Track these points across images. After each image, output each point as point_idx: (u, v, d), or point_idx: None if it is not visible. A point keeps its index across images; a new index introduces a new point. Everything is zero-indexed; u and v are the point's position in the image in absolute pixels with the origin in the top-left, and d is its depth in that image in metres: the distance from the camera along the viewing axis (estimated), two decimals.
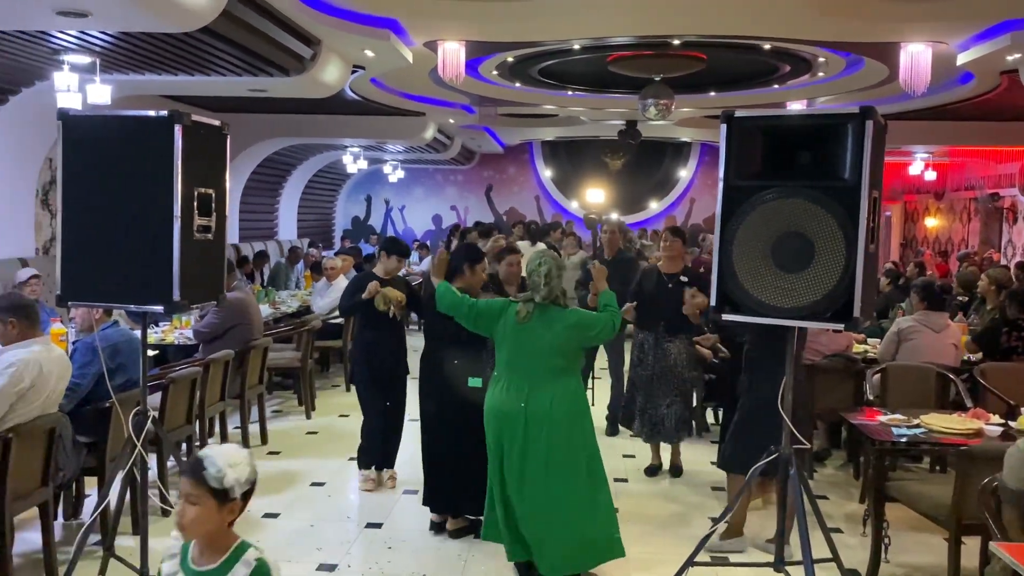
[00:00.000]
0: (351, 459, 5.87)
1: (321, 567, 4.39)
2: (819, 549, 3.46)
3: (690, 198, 19.56)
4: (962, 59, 7.71)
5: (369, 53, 8.04)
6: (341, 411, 7.59)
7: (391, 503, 5.33)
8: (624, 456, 6.39)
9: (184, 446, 5.54)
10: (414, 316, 7.59)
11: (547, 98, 11.97)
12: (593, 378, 7.48)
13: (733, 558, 4.51)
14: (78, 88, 6.97)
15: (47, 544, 4.12)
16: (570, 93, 11.54)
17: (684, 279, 5.72)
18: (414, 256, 13.96)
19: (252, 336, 6.59)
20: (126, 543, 4.39)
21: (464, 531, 4.79)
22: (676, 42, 8.25)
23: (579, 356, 4.22)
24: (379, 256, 5.65)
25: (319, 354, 8.72)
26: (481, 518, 4.42)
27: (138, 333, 3.81)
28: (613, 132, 15.16)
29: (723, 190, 3.39)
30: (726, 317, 3.43)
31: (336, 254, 10.98)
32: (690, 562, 3.69)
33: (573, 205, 19.36)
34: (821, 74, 9.61)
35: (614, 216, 9.23)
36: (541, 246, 9.21)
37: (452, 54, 7.95)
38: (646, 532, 4.92)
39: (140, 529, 3.67)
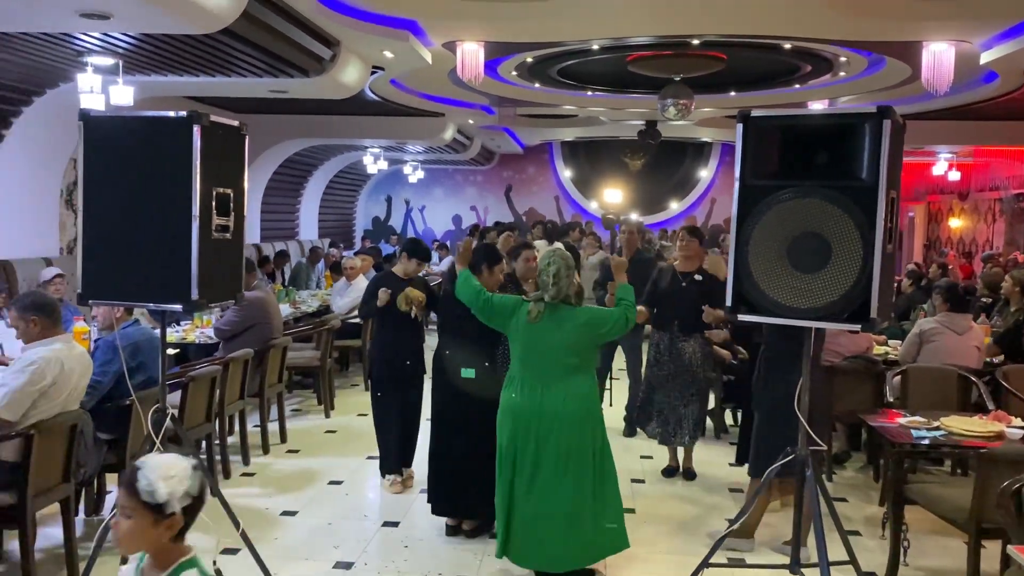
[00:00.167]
0: (369, 458, 5.89)
1: (338, 565, 4.41)
2: (837, 552, 3.44)
3: (711, 198, 19.46)
4: (985, 58, 7.63)
5: (388, 54, 8.07)
6: (360, 410, 7.62)
7: (408, 502, 5.35)
8: (641, 457, 6.37)
9: (203, 444, 5.59)
10: (433, 316, 7.61)
11: (566, 98, 11.96)
12: (611, 379, 7.47)
13: (748, 559, 4.49)
14: (101, 89, 7.07)
15: (68, 539, 4.17)
16: (589, 93, 11.53)
17: (699, 278, 5.74)
18: (434, 256, 13.99)
19: (272, 335, 6.64)
20: None
21: (479, 530, 4.79)
22: (696, 42, 8.23)
23: (593, 354, 4.21)
24: (400, 256, 5.69)
25: (338, 353, 8.76)
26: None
27: (158, 332, 3.85)
28: (633, 132, 15.13)
29: (739, 190, 3.38)
30: (742, 317, 3.41)
31: (355, 254, 11.03)
32: (705, 563, 3.68)
33: (592, 205, 19.33)
34: (843, 74, 9.54)
35: (632, 216, 9.21)
36: (558, 245, 9.19)
37: (471, 55, 7.97)
38: (662, 533, 4.91)
39: None
